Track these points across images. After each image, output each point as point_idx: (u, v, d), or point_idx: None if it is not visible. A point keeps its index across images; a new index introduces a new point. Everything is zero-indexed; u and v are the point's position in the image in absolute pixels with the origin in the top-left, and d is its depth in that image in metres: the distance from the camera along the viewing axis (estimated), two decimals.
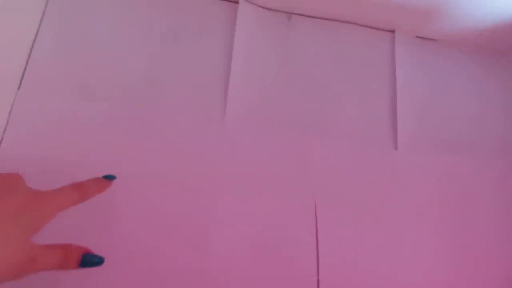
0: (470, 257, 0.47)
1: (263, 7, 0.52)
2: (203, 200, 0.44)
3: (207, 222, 0.43)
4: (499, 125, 0.55)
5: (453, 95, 0.54)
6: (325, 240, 0.45)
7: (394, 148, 0.50)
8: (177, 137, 0.46)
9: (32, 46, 0.44)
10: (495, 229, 0.50)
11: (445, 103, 0.54)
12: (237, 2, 0.51)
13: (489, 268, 0.48)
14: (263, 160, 0.47)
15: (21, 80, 0.43)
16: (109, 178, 0.36)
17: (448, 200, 0.49)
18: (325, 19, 0.54)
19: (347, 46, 0.53)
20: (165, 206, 0.43)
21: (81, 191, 0.32)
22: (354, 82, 0.52)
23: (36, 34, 0.45)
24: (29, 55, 0.44)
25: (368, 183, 0.48)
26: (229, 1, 0.51)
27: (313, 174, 0.47)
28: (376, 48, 0.54)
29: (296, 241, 0.44)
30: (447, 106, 0.54)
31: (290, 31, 0.52)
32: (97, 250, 0.33)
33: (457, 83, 0.55)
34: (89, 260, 0.31)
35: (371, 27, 0.55)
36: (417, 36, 0.56)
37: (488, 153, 0.53)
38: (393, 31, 0.55)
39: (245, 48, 0.50)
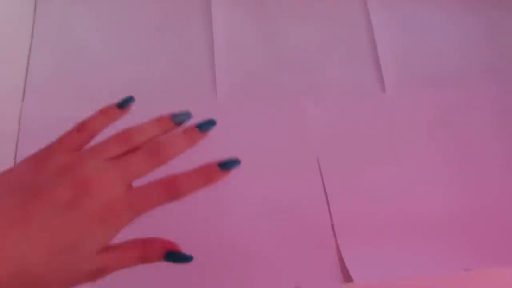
0: (474, 177, 0.49)
1: None
2: None
3: (219, 194, 0.46)
4: (483, 52, 0.56)
5: (432, 29, 0.56)
6: (332, 188, 0.47)
7: (382, 92, 0.52)
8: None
9: (28, 58, 0.48)
10: (495, 151, 0.51)
11: (425, 39, 0.55)
12: None
13: (493, 186, 0.49)
14: (262, 128, 0.49)
15: (23, 93, 0.46)
16: (205, 127, 0.30)
17: (444, 130, 0.51)
18: None
19: (321, 4, 0.56)
20: None
21: (174, 189, 0.26)
22: (333, 38, 0.55)
23: (30, 46, 0.49)
24: (26, 69, 0.47)
25: (364, 128, 0.50)
26: None
27: (312, 131, 0.50)
28: (349, 4, 0.56)
29: (306, 195, 0.46)
30: (428, 41, 0.55)
31: (267, 6, 0.55)
32: None
33: (435, 16, 0.57)
34: (177, 257, 0.27)
35: None
36: None
37: (476, 80, 0.54)
38: None
39: (224, 25, 0.53)
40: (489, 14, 0.58)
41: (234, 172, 0.49)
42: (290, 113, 0.50)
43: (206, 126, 0.30)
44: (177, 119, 0.29)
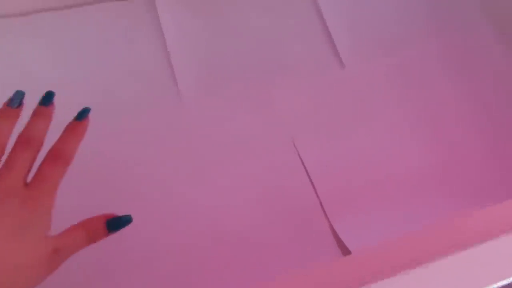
0: (439, 129, 0.51)
1: None
2: (193, 170, 0.47)
3: (205, 187, 0.46)
4: (424, 7, 0.58)
5: None
6: (312, 165, 0.47)
7: (341, 65, 0.54)
8: (146, 130, 0.48)
9: None
10: (453, 100, 0.54)
11: (369, 9, 0.57)
12: None
13: (457, 133, 0.52)
14: (231, 118, 0.49)
15: None
16: (81, 117, 0.31)
17: (404, 91, 0.53)
18: None
19: None
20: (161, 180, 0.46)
21: (60, 157, 0.29)
22: (283, 20, 0.55)
23: None
24: None
25: (331, 103, 0.51)
26: None
27: (281, 114, 0.50)
28: None
29: (288, 178, 0.47)
30: (372, 10, 0.57)
31: (213, 6, 0.55)
32: None
33: None
34: (117, 222, 0.29)
35: None
36: None
37: (421, 40, 0.56)
38: None
39: (175, 30, 0.52)
40: None
41: (214, 166, 0.49)
42: (257, 97, 0.51)
43: (46, 99, 0.32)
44: (12, 103, 0.30)
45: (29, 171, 0.28)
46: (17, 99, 0.30)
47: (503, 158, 0.51)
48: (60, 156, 0.29)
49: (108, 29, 0.52)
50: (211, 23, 0.54)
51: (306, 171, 0.47)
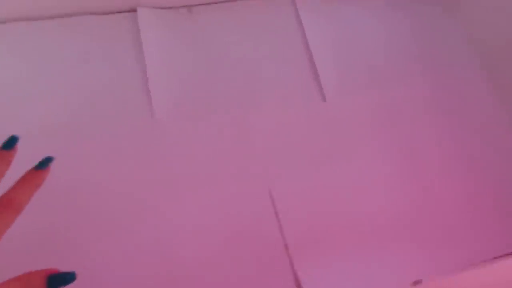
0: (415, 174, 0.51)
1: (161, 8, 0.53)
2: (158, 198, 0.45)
3: (167, 217, 0.44)
4: (411, 47, 0.57)
5: (363, 34, 0.57)
6: (282, 204, 0.46)
7: (322, 99, 0.52)
8: (116, 150, 0.46)
9: None
10: (433, 144, 0.53)
11: (357, 45, 0.56)
12: (135, 11, 0.51)
13: (434, 181, 0.51)
14: (203, 144, 0.48)
15: None
16: (41, 166, 0.30)
17: (385, 129, 0.52)
18: (225, 1, 0.55)
19: (252, 20, 0.55)
20: (121, 208, 0.44)
21: (11, 206, 0.28)
22: (269, 51, 0.54)
23: None
24: None
25: (308, 139, 0.50)
26: (127, 11, 0.52)
27: (255, 145, 0.49)
28: (280, 13, 0.56)
29: (256, 215, 0.46)
30: (360, 46, 0.56)
31: (195, 23, 0.53)
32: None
33: (365, 21, 0.57)
34: (59, 279, 0.27)
35: None
36: None
37: (408, 79, 0.56)
38: None
39: (156, 51, 0.50)
40: (413, 10, 0.59)
41: (180, 195, 0.47)
42: (232, 127, 0.49)
43: (9, 144, 0.30)
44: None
45: None
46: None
47: (478, 209, 0.51)
48: (11, 205, 0.28)
49: (87, 43, 0.50)
50: (193, 47, 0.52)
51: (276, 210, 0.46)
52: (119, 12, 0.51)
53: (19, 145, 0.30)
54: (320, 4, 0.57)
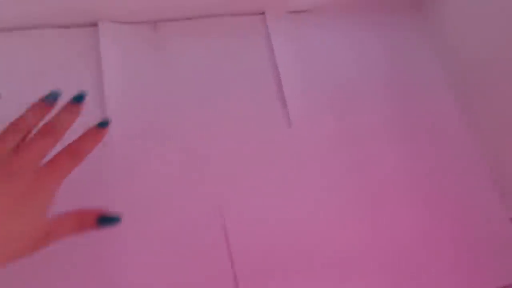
0: (382, 206, 0.49)
1: (124, 23, 0.51)
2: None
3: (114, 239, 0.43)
4: (382, 73, 0.56)
5: (335, 59, 0.55)
6: (236, 241, 0.45)
7: (288, 126, 0.51)
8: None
9: None
10: (396, 162, 0.52)
11: (329, 70, 0.54)
12: (97, 25, 0.50)
13: (402, 215, 0.50)
14: (158, 174, 0.47)
15: None
16: (102, 125, 0.35)
17: (347, 156, 0.51)
18: (191, 18, 0.53)
19: (221, 39, 0.53)
20: None
21: (75, 153, 0.32)
22: (236, 72, 0.52)
23: None
24: None
25: (269, 165, 0.49)
26: (88, 26, 0.50)
27: (215, 176, 0.47)
28: (250, 34, 0.54)
29: (207, 245, 0.44)
30: (332, 71, 0.54)
31: (160, 40, 0.52)
32: None
33: (336, 47, 0.56)
34: (107, 219, 0.33)
35: (240, 15, 0.55)
36: (288, 12, 0.56)
37: (377, 105, 0.54)
38: (263, 13, 0.55)
39: (116, 69, 0.49)
40: (387, 32, 0.58)
41: (131, 217, 0.45)
42: (189, 148, 0.48)
43: (78, 98, 0.35)
44: (47, 99, 0.33)
45: (44, 156, 0.31)
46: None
47: (441, 243, 0.49)
48: (76, 153, 0.32)
49: (45, 56, 0.48)
50: (156, 66, 0.50)
51: (227, 240, 0.44)
52: (80, 26, 0.50)
53: None
54: (292, 25, 0.55)
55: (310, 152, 0.50)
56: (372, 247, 0.48)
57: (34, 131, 0.32)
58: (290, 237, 0.46)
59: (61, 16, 0.48)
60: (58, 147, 0.33)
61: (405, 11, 0.59)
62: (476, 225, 0.51)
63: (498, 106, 0.53)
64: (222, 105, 0.50)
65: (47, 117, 0.33)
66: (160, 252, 0.43)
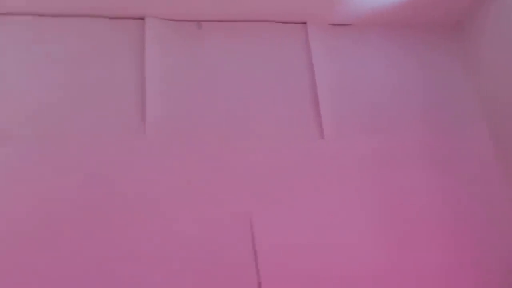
0: (405, 231, 0.50)
1: (170, 20, 0.51)
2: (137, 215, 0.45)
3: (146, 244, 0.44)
4: (419, 99, 0.56)
5: (372, 76, 0.56)
6: (262, 243, 0.45)
7: (320, 137, 0.51)
8: (100, 161, 0.46)
9: None
10: (427, 191, 0.52)
11: (365, 85, 0.55)
12: (143, 19, 0.50)
13: (425, 240, 0.50)
14: (190, 172, 0.48)
15: None
16: None
17: (376, 173, 0.52)
18: (236, 21, 0.54)
19: (262, 45, 0.54)
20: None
21: None
22: (273, 79, 0.53)
23: None
24: None
25: (299, 173, 0.50)
26: (135, 18, 0.50)
27: (244, 178, 0.48)
28: (291, 42, 0.55)
29: (234, 251, 0.45)
30: (368, 87, 0.55)
31: (203, 39, 0.52)
32: None
33: (375, 63, 0.56)
34: None
35: (283, 22, 0.55)
36: (330, 24, 0.56)
37: (410, 127, 0.55)
38: (305, 23, 0.55)
39: (158, 63, 0.50)
40: (428, 59, 0.58)
41: (161, 220, 0.46)
42: (222, 154, 0.49)
43: None
44: None
45: None
46: None
47: (463, 270, 0.50)
48: None
49: (89, 44, 0.49)
50: (196, 66, 0.51)
51: (254, 246, 0.45)
52: (128, 18, 0.50)
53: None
54: (332, 37, 0.56)
55: (341, 166, 0.51)
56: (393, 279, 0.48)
57: None
58: (314, 246, 0.47)
59: (112, 8, 0.48)
60: None
61: (445, 33, 0.59)
62: (500, 274, 0.51)
63: None
64: (257, 109, 0.51)
65: None
66: (185, 258, 0.44)
